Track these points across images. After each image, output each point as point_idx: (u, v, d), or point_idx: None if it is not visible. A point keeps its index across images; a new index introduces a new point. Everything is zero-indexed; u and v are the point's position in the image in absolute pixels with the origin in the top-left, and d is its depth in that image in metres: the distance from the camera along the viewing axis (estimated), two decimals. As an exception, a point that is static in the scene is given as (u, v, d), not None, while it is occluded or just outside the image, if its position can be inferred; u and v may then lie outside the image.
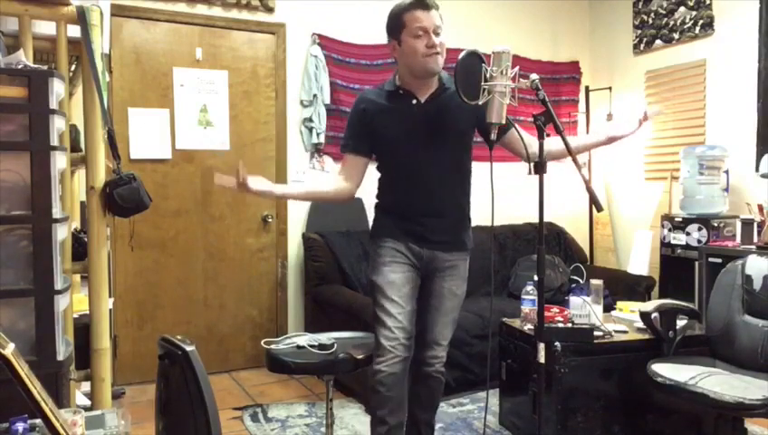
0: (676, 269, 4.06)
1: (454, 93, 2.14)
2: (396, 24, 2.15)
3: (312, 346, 2.28)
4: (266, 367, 2.27)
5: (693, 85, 4.33)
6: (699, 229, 3.87)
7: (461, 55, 2.03)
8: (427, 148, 2.20)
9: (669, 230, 4.08)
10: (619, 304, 3.23)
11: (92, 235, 2.23)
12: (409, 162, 2.22)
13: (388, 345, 2.12)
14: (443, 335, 2.29)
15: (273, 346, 2.29)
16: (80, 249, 2.36)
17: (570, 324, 2.70)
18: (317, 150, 4.17)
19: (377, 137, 2.25)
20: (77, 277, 2.60)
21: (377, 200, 2.37)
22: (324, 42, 4.15)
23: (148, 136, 3.75)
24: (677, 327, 2.66)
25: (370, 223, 2.41)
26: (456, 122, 2.22)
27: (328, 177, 2.27)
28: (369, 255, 2.36)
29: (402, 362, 2.14)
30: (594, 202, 1.89)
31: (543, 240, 1.91)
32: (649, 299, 4.06)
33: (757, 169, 3.79)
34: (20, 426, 1.49)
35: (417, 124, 2.19)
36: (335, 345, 2.28)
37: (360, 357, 2.24)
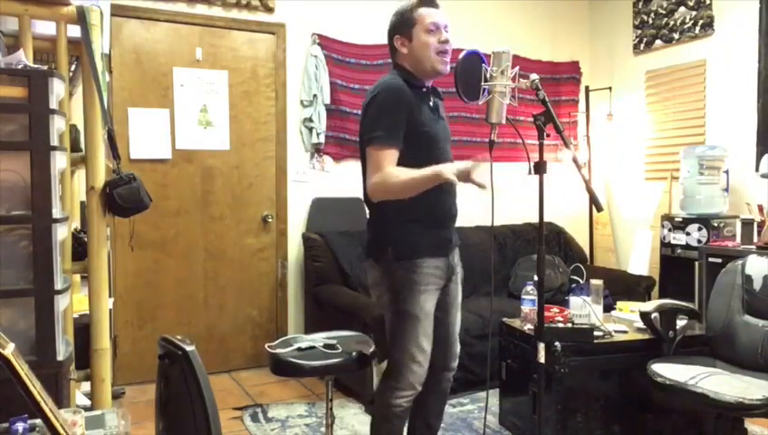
0: (676, 269, 4.06)
1: (442, 104, 2.25)
2: (406, 20, 2.12)
3: (312, 347, 2.27)
4: (271, 370, 2.24)
5: (693, 85, 4.33)
6: (699, 229, 3.87)
7: (461, 56, 2.04)
8: (448, 148, 2.22)
9: (669, 230, 4.08)
10: (619, 304, 3.22)
11: (92, 235, 2.22)
12: (445, 162, 2.12)
13: (415, 382, 2.10)
14: (458, 334, 2.33)
15: (278, 350, 2.26)
16: (80, 249, 2.35)
17: (570, 324, 2.69)
18: (317, 150, 4.18)
19: (417, 131, 2.07)
20: (77, 277, 2.60)
21: (400, 209, 2.08)
22: (324, 42, 4.15)
23: (148, 136, 3.75)
24: (677, 327, 2.66)
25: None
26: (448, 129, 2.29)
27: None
28: (389, 272, 2.10)
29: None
30: (594, 202, 1.89)
31: (543, 240, 1.91)
32: (649, 299, 4.06)
33: (757, 169, 3.79)
34: (20, 426, 1.49)
35: (439, 124, 2.19)
36: (338, 346, 2.28)
37: (364, 355, 2.22)
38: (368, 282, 2.29)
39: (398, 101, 2.05)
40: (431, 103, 2.17)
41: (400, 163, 2.06)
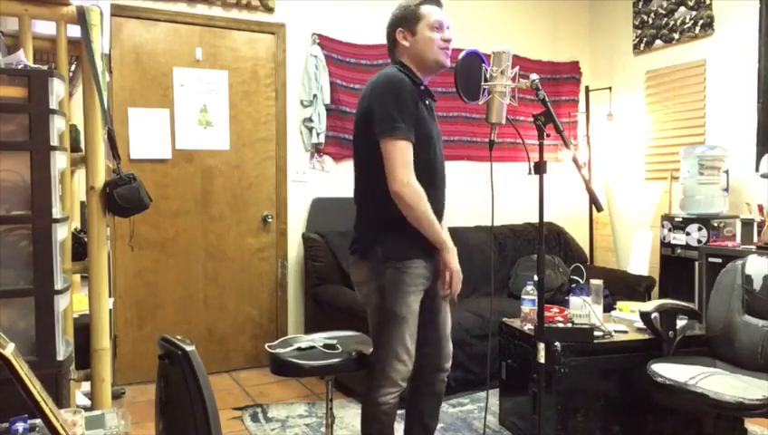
0: (676, 269, 4.06)
1: (434, 105, 2.22)
2: (411, 13, 2.11)
3: (312, 347, 2.27)
4: (271, 370, 2.23)
5: (693, 85, 4.33)
6: (699, 229, 3.87)
7: (461, 56, 2.04)
8: (441, 150, 2.19)
9: (669, 230, 4.08)
10: (619, 304, 3.23)
11: (92, 235, 2.23)
12: (438, 163, 2.13)
13: (399, 380, 2.09)
14: (449, 334, 2.30)
15: (278, 350, 2.26)
16: (80, 249, 2.36)
17: (570, 324, 2.69)
18: (317, 150, 4.18)
19: (418, 127, 2.04)
20: (77, 277, 2.60)
21: (393, 209, 2.02)
22: (324, 42, 4.15)
23: (148, 136, 3.75)
24: (677, 327, 2.66)
25: None
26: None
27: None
28: (377, 272, 2.08)
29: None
30: (594, 202, 1.89)
31: (543, 240, 1.92)
32: (649, 299, 4.06)
33: (757, 169, 3.79)
34: (20, 426, 1.49)
35: (434, 124, 2.16)
36: (338, 346, 2.28)
37: (364, 355, 2.22)
38: (353, 279, 2.25)
39: (408, 93, 2.02)
40: (427, 102, 2.14)
41: None
